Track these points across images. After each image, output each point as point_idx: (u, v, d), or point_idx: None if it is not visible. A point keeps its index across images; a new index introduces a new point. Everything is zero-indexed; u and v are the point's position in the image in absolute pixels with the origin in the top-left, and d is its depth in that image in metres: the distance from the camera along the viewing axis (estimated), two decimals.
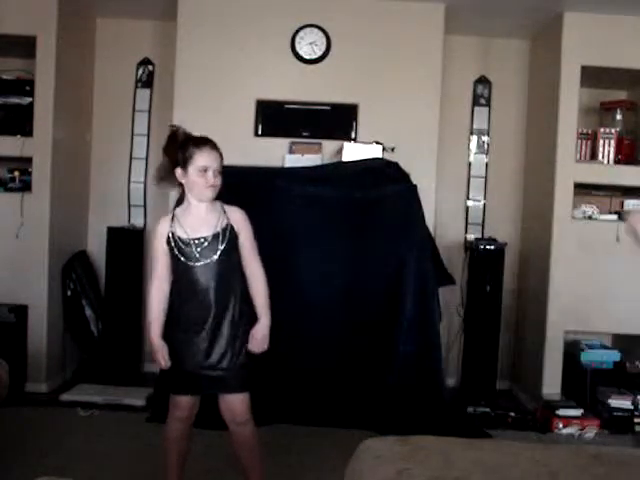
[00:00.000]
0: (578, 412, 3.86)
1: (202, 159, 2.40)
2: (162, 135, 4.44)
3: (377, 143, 3.97)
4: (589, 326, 4.19)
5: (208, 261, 2.39)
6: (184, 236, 2.40)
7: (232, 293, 2.46)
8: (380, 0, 4.14)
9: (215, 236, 2.41)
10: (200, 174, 2.39)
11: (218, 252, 2.40)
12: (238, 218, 2.49)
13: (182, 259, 2.40)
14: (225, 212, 2.48)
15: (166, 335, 2.46)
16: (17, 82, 4.15)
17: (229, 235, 2.44)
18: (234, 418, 2.51)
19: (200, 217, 2.44)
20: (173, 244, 2.40)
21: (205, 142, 2.47)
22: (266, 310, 2.52)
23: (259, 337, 2.49)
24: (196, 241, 2.40)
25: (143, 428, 3.51)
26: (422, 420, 3.53)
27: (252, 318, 2.52)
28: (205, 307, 2.41)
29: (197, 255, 2.39)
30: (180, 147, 2.44)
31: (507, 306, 4.46)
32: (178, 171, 2.43)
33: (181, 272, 2.42)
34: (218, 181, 2.42)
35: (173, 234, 2.41)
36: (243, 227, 2.49)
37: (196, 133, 2.52)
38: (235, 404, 2.49)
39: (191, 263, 2.39)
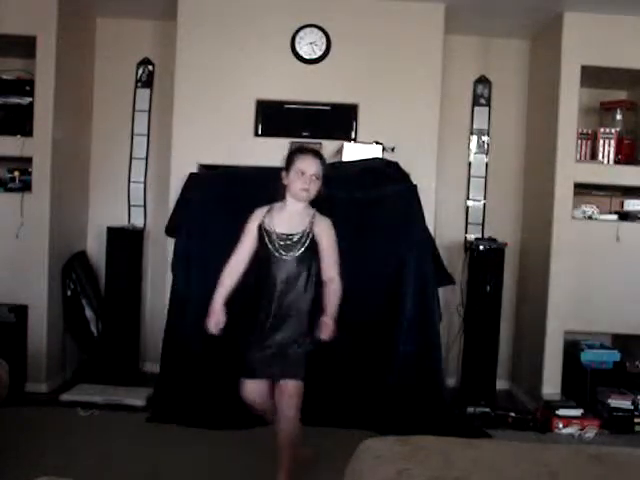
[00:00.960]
0: (578, 412, 3.87)
1: (301, 164, 2.72)
2: (162, 135, 4.50)
3: (377, 143, 3.97)
4: (589, 326, 4.19)
5: (287, 257, 2.69)
6: (272, 229, 2.71)
7: (304, 291, 2.72)
8: (380, 0, 4.14)
9: (299, 238, 2.70)
10: (297, 175, 2.71)
11: (298, 252, 2.69)
12: (322, 227, 2.74)
13: (267, 248, 2.70)
14: (313, 220, 2.74)
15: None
16: (17, 82, 4.15)
17: (309, 241, 2.70)
18: (283, 405, 2.71)
19: (292, 216, 2.74)
20: (263, 232, 2.72)
21: (308, 150, 2.85)
22: (333, 313, 2.71)
23: (328, 323, 2.67)
24: (282, 236, 2.70)
25: (143, 428, 3.52)
26: (422, 420, 3.53)
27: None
28: (275, 298, 2.70)
29: (279, 249, 2.69)
30: (288, 154, 2.84)
31: (507, 306, 4.46)
32: (283, 173, 2.76)
33: (261, 262, 2.73)
34: (313, 186, 2.71)
35: (263, 224, 2.73)
36: (325, 236, 2.73)
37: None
38: (290, 390, 2.71)
39: (273, 255, 2.69)
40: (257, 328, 2.76)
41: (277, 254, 2.69)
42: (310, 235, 2.71)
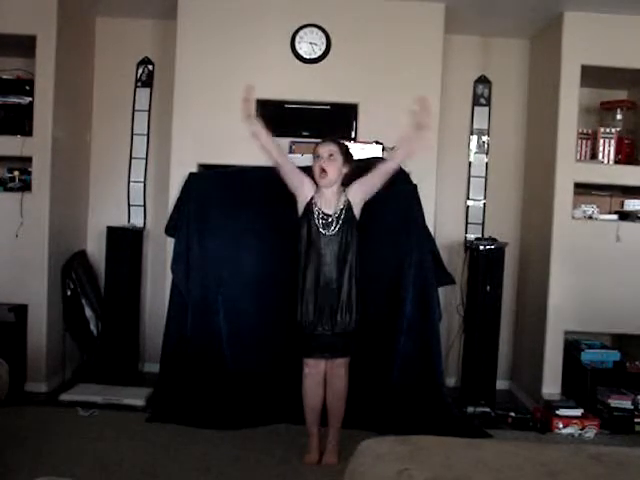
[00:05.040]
0: (578, 412, 3.87)
1: (316, 149, 3.14)
2: (162, 135, 4.50)
3: (377, 143, 3.97)
4: (589, 326, 4.19)
5: (331, 234, 3.08)
6: (319, 208, 3.12)
7: (347, 263, 3.09)
8: (380, 0, 4.14)
9: (337, 215, 3.10)
10: (315, 160, 3.11)
11: (337, 227, 3.09)
12: (351, 187, 3.16)
13: (313, 228, 3.09)
14: (344, 192, 3.15)
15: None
16: (17, 82, 4.15)
17: (346, 213, 3.11)
18: (333, 376, 3.15)
19: (327, 198, 3.13)
20: (315, 211, 3.11)
21: (323, 140, 3.21)
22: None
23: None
24: (324, 215, 3.11)
25: (143, 428, 3.52)
26: (422, 420, 3.54)
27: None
28: (326, 272, 3.07)
29: (323, 227, 3.09)
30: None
31: (507, 306, 4.46)
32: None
33: (311, 241, 3.10)
34: (331, 166, 3.08)
35: (314, 201, 3.13)
36: (356, 183, 3.16)
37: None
38: (340, 366, 3.14)
39: (319, 233, 3.09)
40: (315, 311, 3.09)
41: (322, 233, 3.08)
42: (345, 206, 3.11)
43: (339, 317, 3.08)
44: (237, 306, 3.78)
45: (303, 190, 3.16)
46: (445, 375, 3.97)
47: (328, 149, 3.09)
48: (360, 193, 3.16)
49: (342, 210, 3.10)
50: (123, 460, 3.08)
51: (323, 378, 3.17)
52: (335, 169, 3.09)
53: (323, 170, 3.07)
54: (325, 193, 3.13)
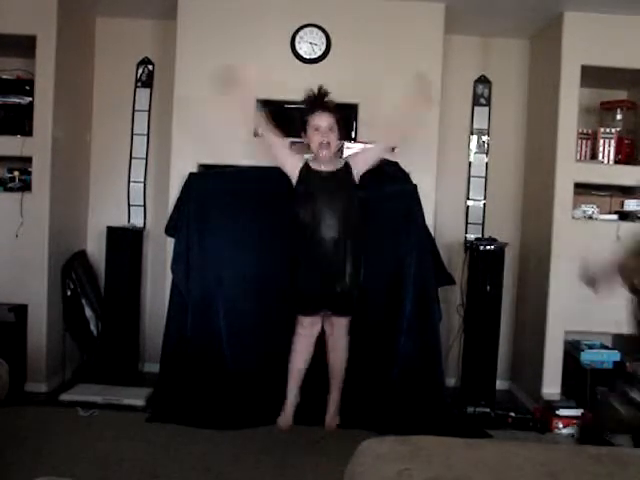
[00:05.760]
0: (578, 412, 3.86)
1: (315, 120, 3.05)
2: (162, 135, 4.50)
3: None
4: (589, 326, 4.19)
5: (331, 191, 3.04)
6: (316, 168, 3.07)
7: (350, 221, 3.06)
8: (380, 0, 4.14)
9: (336, 174, 3.06)
10: (314, 132, 3.05)
11: (337, 184, 3.05)
12: (352, 154, 3.22)
13: (312, 188, 3.05)
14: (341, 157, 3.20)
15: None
16: (17, 82, 4.15)
17: (346, 173, 3.07)
18: (336, 336, 3.16)
19: (324, 163, 3.09)
20: (309, 172, 3.08)
21: (317, 107, 3.09)
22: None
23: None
24: (325, 173, 3.07)
25: (143, 428, 3.52)
26: (422, 420, 3.54)
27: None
28: (329, 231, 3.01)
29: (322, 187, 3.04)
30: (303, 119, 3.11)
31: (507, 306, 4.46)
32: (302, 134, 3.13)
33: (311, 201, 3.05)
34: (332, 137, 3.04)
35: (307, 164, 3.10)
36: (355, 158, 3.16)
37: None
38: (341, 327, 3.15)
39: (319, 192, 3.03)
40: (317, 266, 3.06)
41: (323, 195, 3.02)
42: (345, 169, 3.08)
43: (344, 276, 3.04)
44: (237, 306, 3.78)
45: (290, 164, 3.16)
46: (445, 375, 3.97)
47: (327, 122, 3.04)
48: (362, 164, 3.16)
49: (340, 170, 3.10)
50: (123, 460, 3.08)
51: (315, 341, 3.13)
52: (335, 141, 3.06)
53: (326, 143, 3.04)
54: (322, 160, 3.13)
